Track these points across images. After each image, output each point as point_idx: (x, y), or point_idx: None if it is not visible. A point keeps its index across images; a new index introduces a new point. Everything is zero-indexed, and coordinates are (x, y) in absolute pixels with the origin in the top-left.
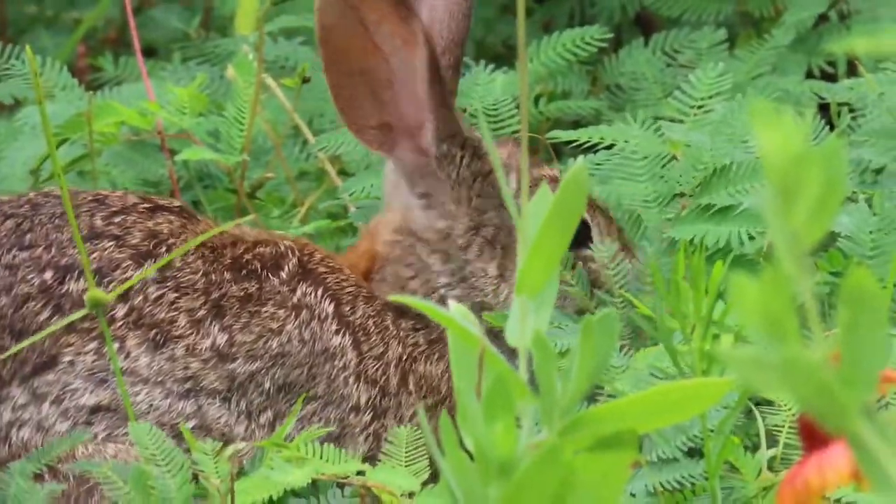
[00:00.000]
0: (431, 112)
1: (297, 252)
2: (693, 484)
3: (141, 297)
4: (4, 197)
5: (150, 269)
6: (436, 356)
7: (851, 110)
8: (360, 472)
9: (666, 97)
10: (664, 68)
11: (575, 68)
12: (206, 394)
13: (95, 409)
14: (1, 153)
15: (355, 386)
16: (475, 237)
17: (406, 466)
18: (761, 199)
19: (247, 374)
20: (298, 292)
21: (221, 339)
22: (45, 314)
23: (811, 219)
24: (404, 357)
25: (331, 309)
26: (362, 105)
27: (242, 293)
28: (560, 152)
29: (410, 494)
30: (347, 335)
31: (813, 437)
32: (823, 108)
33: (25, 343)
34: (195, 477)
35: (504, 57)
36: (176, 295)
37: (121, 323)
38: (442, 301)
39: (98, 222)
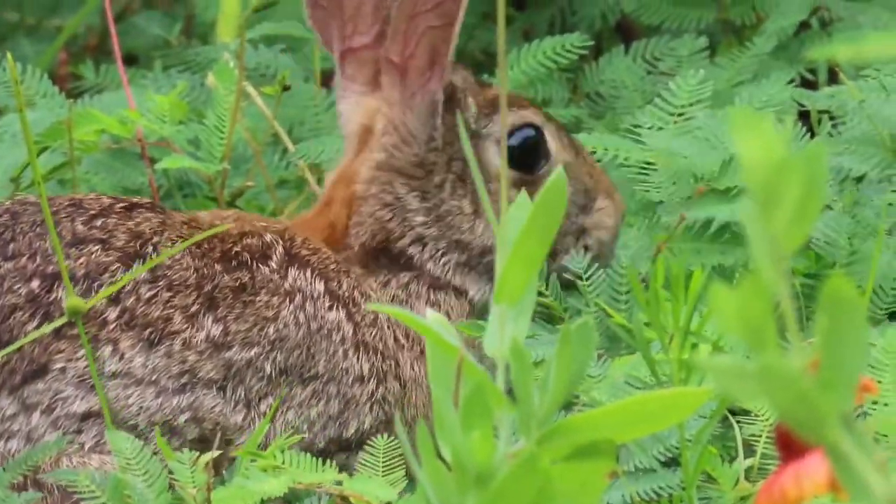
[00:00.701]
0: (424, 51)
1: (280, 240)
2: (670, 494)
3: (133, 298)
4: None
5: (137, 270)
6: (413, 300)
7: (832, 118)
8: (337, 482)
9: (646, 105)
10: (644, 76)
11: (555, 76)
12: (203, 385)
13: (86, 416)
14: None
15: (355, 357)
16: (448, 173)
17: (383, 476)
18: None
19: (244, 360)
20: (290, 278)
21: (216, 329)
22: (34, 324)
23: (791, 225)
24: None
25: (321, 287)
26: (361, 39)
27: (236, 283)
28: None
29: None
30: (341, 309)
31: (790, 446)
32: (804, 116)
33: (5, 351)
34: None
35: (484, 64)
36: (169, 293)
37: (113, 325)
38: (419, 240)
39: (80, 227)
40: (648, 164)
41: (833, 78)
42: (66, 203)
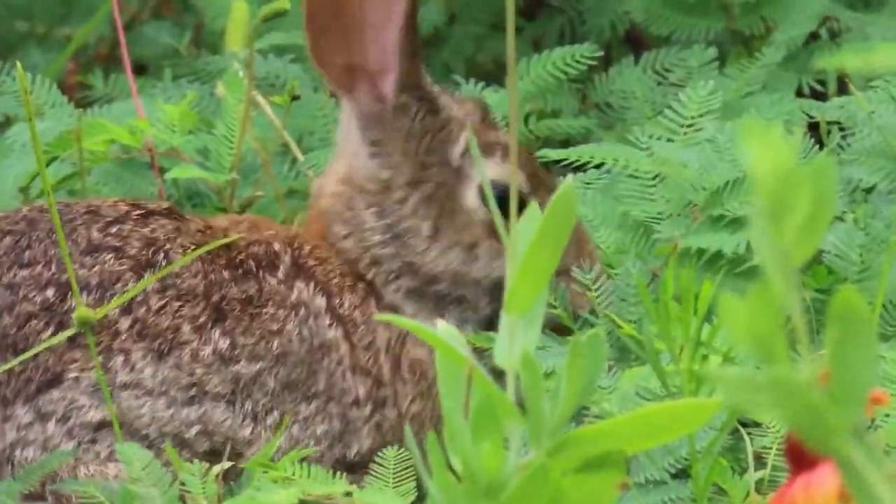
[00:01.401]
0: (398, 60)
1: (288, 248)
2: None
3: (144, 309)
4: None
5: (148, 281)
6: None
7: (841, 129)
8: (347, 493)
9: (656, 115)
10: (654, 86)
11: (565, 86)
12: (211, 398)
13: (101, 426)
14: None
15: (352, 379)
16: (413, 192)
17: (393, 487)
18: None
19: (251, 374)
20: (295, 290)
21: (224, 343)
22: (49, 332)
23: (801, 237)
24: (392, 341)
25: (323, 303)
26: (332, 41)
27: (243, 296)
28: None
29: None
30: (339, 328)
31: (800, 458)
32: (813, 127)
33: (16, 361)
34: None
35: (494, 75)
36: (178, 303)
37: (125, 335)
38: (375, 261)
39: (95, 234)
40: (656, 176)
41: (842, 89)
42: (84, 210)
